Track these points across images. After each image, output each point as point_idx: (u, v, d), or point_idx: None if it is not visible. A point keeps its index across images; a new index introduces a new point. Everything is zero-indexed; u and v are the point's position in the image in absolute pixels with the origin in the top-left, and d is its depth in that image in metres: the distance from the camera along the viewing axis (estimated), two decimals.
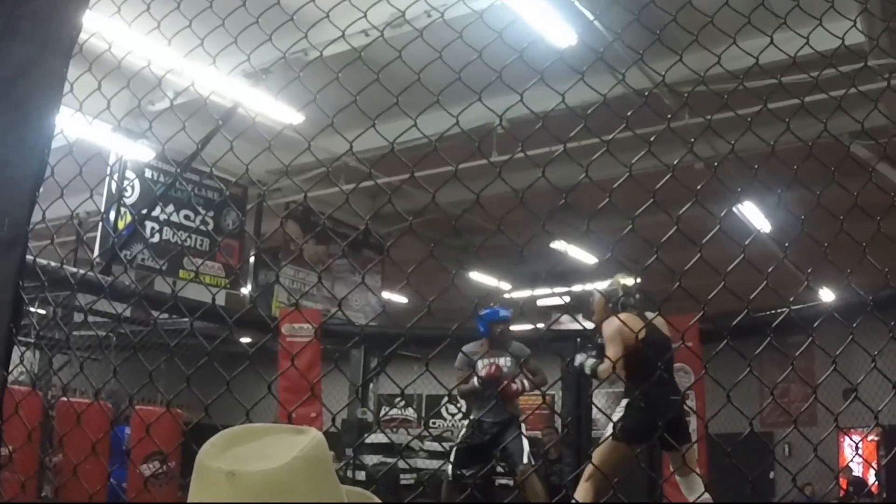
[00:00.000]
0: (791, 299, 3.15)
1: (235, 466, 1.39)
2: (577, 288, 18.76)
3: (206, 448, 1.45)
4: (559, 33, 8.82)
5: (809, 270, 3.08)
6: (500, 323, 8.92)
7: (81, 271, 7.77)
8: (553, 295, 18.18)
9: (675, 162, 3.11)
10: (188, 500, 1.43)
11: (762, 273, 2.86)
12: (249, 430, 1.51)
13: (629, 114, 3.03)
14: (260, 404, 3.43)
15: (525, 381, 8.71)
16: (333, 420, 5.82)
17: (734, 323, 3.17)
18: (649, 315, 6.92)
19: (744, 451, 2.91)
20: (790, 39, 3.19)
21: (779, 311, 3.37)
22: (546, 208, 3.24)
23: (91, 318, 10.21)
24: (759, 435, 2.90)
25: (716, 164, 3.22)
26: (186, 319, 3.79)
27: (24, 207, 2.86)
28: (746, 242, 2.96)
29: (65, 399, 6.67)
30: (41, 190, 2.99)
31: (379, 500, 1.64)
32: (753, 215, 13.44)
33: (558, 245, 15.68)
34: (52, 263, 3.77)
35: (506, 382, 8.62)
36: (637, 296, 7.22)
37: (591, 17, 8.36)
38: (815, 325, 3.14)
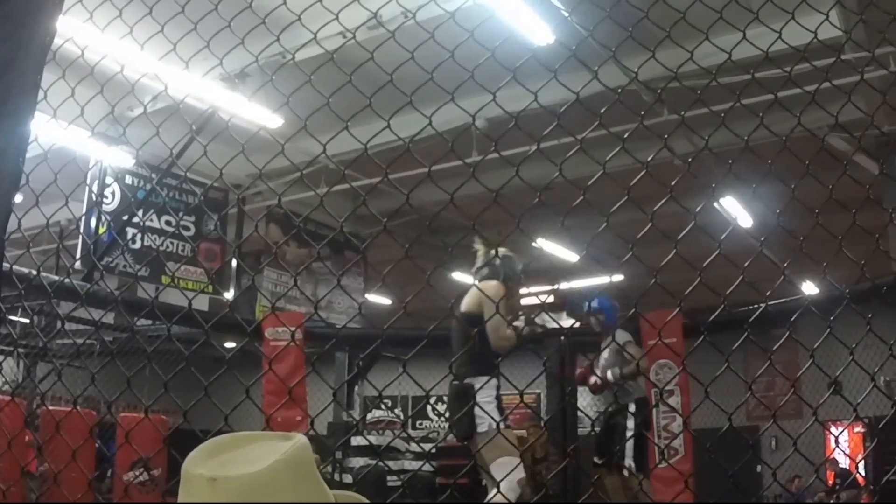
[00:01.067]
0: (768, 294, 3.16)
1: (218, 472, 1.40)
2: (563, 286, 18.79)
3: (192, 456, 1.45)
4: (537, 32, 8.83)
5: (786, 264, 3.08)
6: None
7: (61, 279, 7.74)
8: (535, 294, 18.17)
9: (650, 158, 3.11)
10: None
11: (738, 267, 2.86)
12: (236, 437, 1.52)
13: (602, 111, 3.03)
14: (248, 409, 3.42)
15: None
16: (312, 423, 5.78)
17: (711, 318, 3.17)
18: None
19: (731, 445, 2.91)
20: (766, 34, 3.20)
21: (761, 305, 3.38)
22: (534, 206, 3.24)
23: (75, 326, 10.20)
24: (739, 430, 2.90)
25: (690, 160, 3.22)
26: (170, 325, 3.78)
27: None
28: (722, 237, 2.97)
29: (45, 407, 6.65)
30: (20, 198, 2.97)
31: (367, 501, 1.64)
32: (736, 210, 13.48)
33: (540, 243, 15.67)
34: (33, 272, 3.75)
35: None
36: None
37: (566, 13, 8.36)
38: (792, 318, 3.15)
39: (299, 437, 1.50)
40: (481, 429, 6.17)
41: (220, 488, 1.38)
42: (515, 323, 6.65)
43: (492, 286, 6.38)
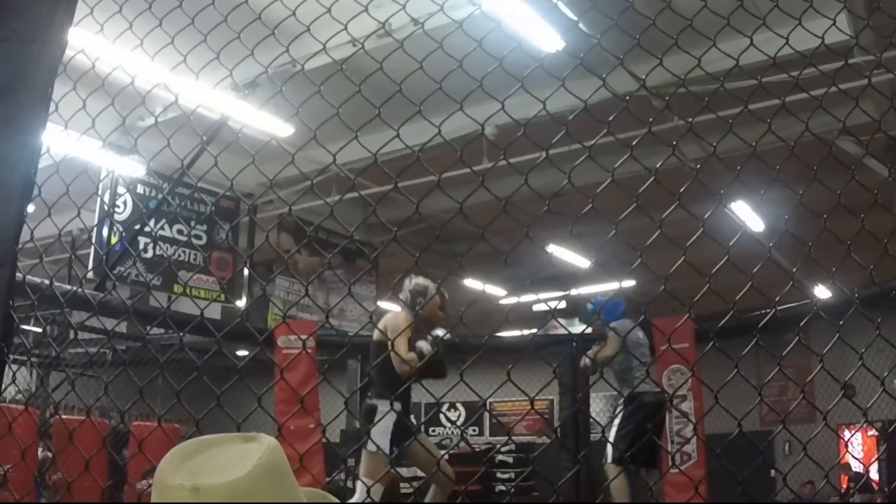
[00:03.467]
0: (777, 299, 3.16)
1: (197, 481, 1.40)
2: (573, 292, 18.78)
3: (163, 467, 1.46)
4: (546, 39, 8.84)
5: (795, 269, 3.09)
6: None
7: (73, 288, 7.77)
8: (545, 300, 18.15)
9: (658, 165, 3.12)
10: None
11: (747, 273, 2.87)
12: (199, 443, 1.53)
13: (611, 118, 3.04)
14: (262, 417, 3.43)
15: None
16: (324, 431, 5.89)
17: (721, 324, 3.17)
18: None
19: (745, 450, 2.91)
20: (773, 40, 3.20)
21: (777, 309, 3.38)
22: (545, 213, 3.24)
23: (88, 335, 10.22)
24: (748, 434, 2.89)
25: (698, 165, 3.23)
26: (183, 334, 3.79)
27: (11, 226, 2.86)
28: (731, 243, 2.96)
29: (58, 417, 6.67)
30: (33, 209, 2.99)
31: (336, 500, 1.68)
32: (747, 215, 13.44)
33: (553, 250, 15.67)
34: (46, 282, 3.77)
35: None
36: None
37: (574, 18, 8.37)
38: (801, 323, 3.14)
39: (268, 440, 1.52)
40: (370, 448, 6.68)
41: (203, 497, 1.38)
42: (418, 344, 6.87)
43: (393, 317, 7.13)
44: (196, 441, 1.52)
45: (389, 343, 6.43)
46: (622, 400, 8.85)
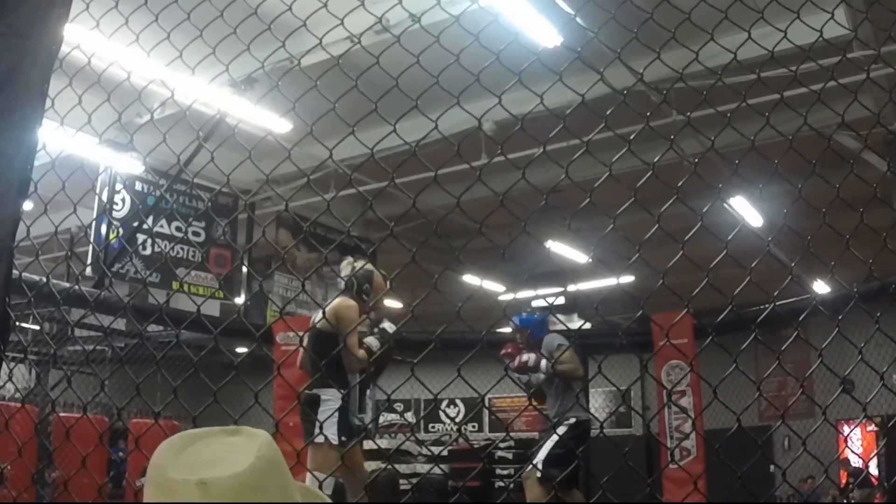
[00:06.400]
0: (776, 293, 3.15)
1: (200, 475, 1.39)
2: (571, 288, 18.80)
3: (159, 462, 1.44)
4: (543, 34, 8.83)
5: (793, 264, 3.08)
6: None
7: (70, 286, 7.77)
8: (544, 296, 18.17)
9: (656, 160, 3.11)
10: None
11: (746, 268, 2.86)
12: (186, 436, 1.52)
13: (608, 113, 3.03)
14: (261, 414, 3.43)
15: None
16: (321, 427, 5.88)
17: (720, 319, 3.17)
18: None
19: (744, 445, 2.90)
20: (771, 34, 3.20)
21: (776, 304, 3.37)
22: (542, 208, 3.24)
23: (86, 333, 10.20)
24: (747, 430, 2.89)
25: (696, 160, 3.22)
26: (181, 331, 3.78)
27: (7, 223, 2.85)
28: (729, 238, 2.96)
29: (56, 414, 6.67)
30: (30, 206, 2.98)
31: (324, 494, 1.71)
32: (746, 210, 13.44)
33: (551, 245, 15.66)
34: (43, 279, 3.76)
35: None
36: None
37: (571, 12, 8.37)
38: (800, 318, 3.14)
39: (257, 432, 1.52)
40: (318, 440, 6.47)
41: (210, 492, 1.37)
42: (366, 340, 6.87)
43: (342, 306, 6.75)
44: (182, 435, 1.52)
45: (341, 338, 6.39)
46: (555, 417, 8.63)
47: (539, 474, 8.48)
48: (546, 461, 8.33)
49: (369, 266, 7.25)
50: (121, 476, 12.88)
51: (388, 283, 7.19)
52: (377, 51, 3.10)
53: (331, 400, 6.62)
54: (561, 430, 8.39)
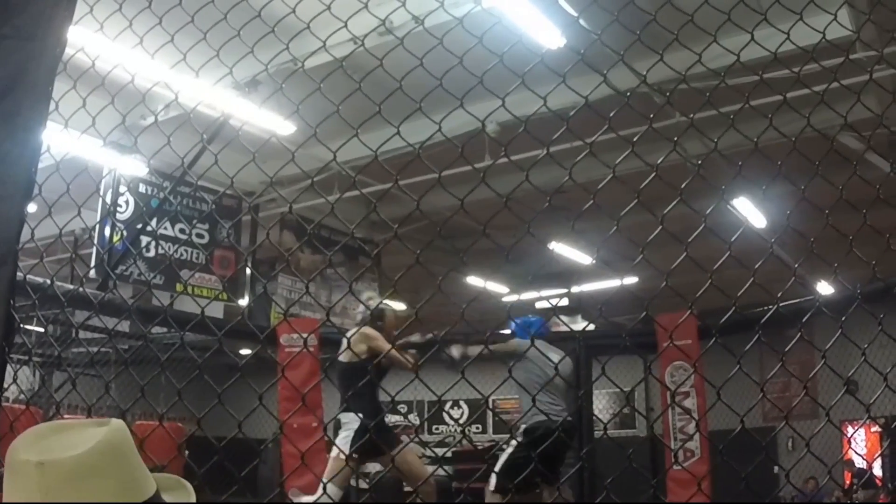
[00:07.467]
0: (779, 294, 3.15)
1: (44, 457, 1.47)
2: (575, 289, 18.77)
3: (16, 444, 1.52)
4: (547, 35, 8.83)
5: (797, 265, 3.08)
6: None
7: (74, 288, 7.76)
8: (548, 297, 18.14)
9: (659, 161, 3.11)
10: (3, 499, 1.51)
11: (749, 269, 2.86)
12: (55, 426, 1.60)
13: (612, 114, 3.03)
14: (264, 415, 3.43)
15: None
16: (326, 429, 6.05)
17: (723, 320, 3.16)
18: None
19: (748, 446, 2.90)
20: (774, 35, 3.20)
21: (780, 305, 3.37)
22: (545, 210, 3.24)
23: (90, 335, 10.19)
24: (757, 431, 2.89)
25: (699, 161, 3.22)
26: (185, 333, 3.78)
27: (12, 225, 2.85)
28: (733, 239, 2.96)
29: (60, 416, 6.66)
30: (34, 208, 2.99)
31: (189, 486, 1.79)
32: (749, 211, 13.43)
33: (555, 246, 15.66)
34: (47, 281, 3.77)
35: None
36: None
37: (575, 14, 8.37)
38: (804, 319, 3.14)
39: (116, 422, 1.59)
40: (334, 453, 7.74)
41: (48, 472, 1.45)
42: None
43: (367, 331, 7.86)
44: (52, 424, 1.60)
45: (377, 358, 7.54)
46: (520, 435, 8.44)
47: (492, 486, 8.50)
48: (500, 471, 8.34)
49: (382, 305, 8.34)
50: None
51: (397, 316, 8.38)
52: (381, 53, 3.11)
53: (349, 423, 7.67)
54: (520, 436, 8.32)
